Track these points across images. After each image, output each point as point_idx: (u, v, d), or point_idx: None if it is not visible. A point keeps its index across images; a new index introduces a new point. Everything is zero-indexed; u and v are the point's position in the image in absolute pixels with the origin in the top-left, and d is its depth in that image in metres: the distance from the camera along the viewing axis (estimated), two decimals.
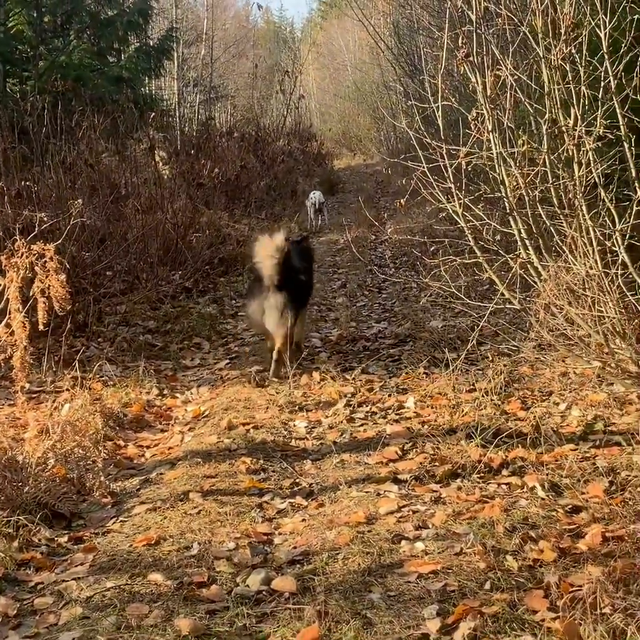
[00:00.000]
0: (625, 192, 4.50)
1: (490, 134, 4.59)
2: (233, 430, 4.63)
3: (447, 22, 4.73)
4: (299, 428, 4.73)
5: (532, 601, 2.74)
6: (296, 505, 3.74)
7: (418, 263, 7.62)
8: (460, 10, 4.84)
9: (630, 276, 4.27)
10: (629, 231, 4.28)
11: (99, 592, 3.02)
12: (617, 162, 4.48)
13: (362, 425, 4.70)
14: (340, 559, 3.14)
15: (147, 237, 8.61)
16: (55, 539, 3.54)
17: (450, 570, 2.99)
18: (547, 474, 3.76)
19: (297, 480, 4.02)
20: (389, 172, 11.75)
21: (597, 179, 4.35)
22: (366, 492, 3.76)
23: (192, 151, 13.24)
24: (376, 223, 7.15)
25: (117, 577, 3.12)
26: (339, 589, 2.92)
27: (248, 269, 6.40)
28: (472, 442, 4.11)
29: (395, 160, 5.41)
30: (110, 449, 4.54)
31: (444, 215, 5.01)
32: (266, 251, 5.46)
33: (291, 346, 5.70)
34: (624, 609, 2.57)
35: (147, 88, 19.02)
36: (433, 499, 3.64)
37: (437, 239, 5.34)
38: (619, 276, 4.24)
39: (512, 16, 4.65)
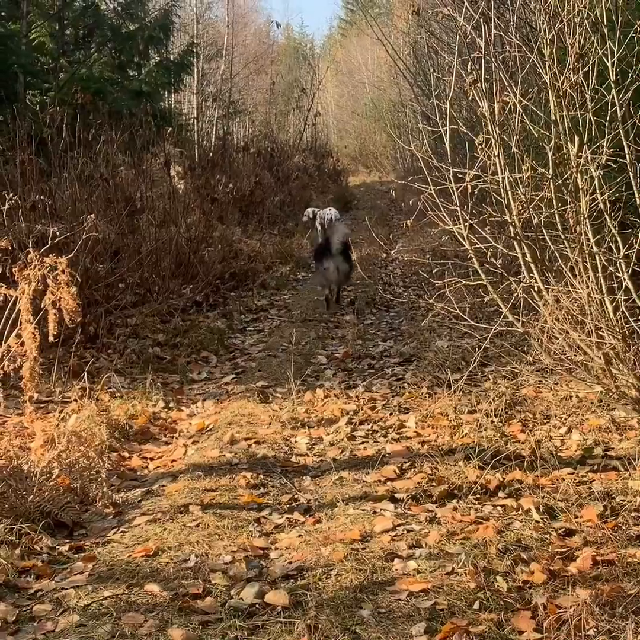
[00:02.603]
0: (631, 219, 4.55)
1: (497, 158, 4.65)
2: (235, 445, 4.69)
3: (456, 48, 4.81)
4: (300, 444, 4.80)
5: (519, 622, 2.79)
6: (293, 521, 3.80)
7: (423, 283, 7.69)
8: (469, 36, 4.92)
9: (632, 302, 4.31)
10: (634, 258, 4.32)
11: (96, 601, 3.09)
12: (623, 189, 4.53)
13: (362, 443, 4.76)
14: (333, 575, 3.20)
15: (160, 250, 8.70)
16: (57, 547, 3.62)
17: (440, 590, 3.04)
18: (542, 497, 3.80)
19: (296, 496, 4.08)
20: (394, 194, 11.85)
21: (602, 206, 4.40)
22: (363, 510, 3.82)
23: (208, 166, 13.35)
24: (383, 244, 7.30)
25: (114, 586, 3.19)
26: (331, 604, 2.98)
27: (318, 245, 9.52)
28: (470, 463, 4.16)
29: (403, 182, 5.47)
30: (115, 460, 4.62)
31: (447, 237, 5.06)
32: (337, 235, 8.68)
33: (337, 296, 8.86)
34: (608, 632, 2.62)
35: (166, 102, 19.20)
36: (428, 518, 3.68)
37: (441, 260, 5.42)
38: (622, 302, 4.28)
39: (521, 44, 4.73)
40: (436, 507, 3.81)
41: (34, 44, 14.04)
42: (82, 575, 3.32)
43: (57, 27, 14.47)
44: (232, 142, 17.98)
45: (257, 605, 3.03)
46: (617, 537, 3.36)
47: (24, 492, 3.78)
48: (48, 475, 4.01)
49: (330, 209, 13.41)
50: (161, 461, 4.70)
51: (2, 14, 13.62)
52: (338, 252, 8.49)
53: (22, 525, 3.57)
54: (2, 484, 3.71)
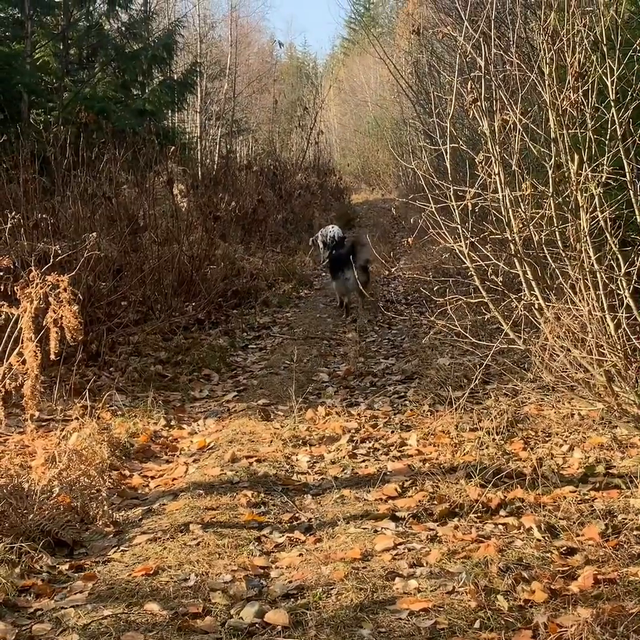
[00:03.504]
0: (632, 237, 4.56)
1: (497, 176, 4.67)
2: (236, 463, 4.69)
3: (457, 67, 4.84)
4: (302, 462, 4.79)
5: None
6: (294, 540, 3.79)
7: (425, 301, 7.70)
8: (469, 56, 4.95)
9: (633, 319, 4.31)
10: (635, 275, 4.32)
11: (95, 620, 3.07)
12: (624, 207, 4.54)
13: (363, 461, 4.75)
14: (334, 594, 3.19)
15: (163, 268, 8.72)
16: (57, 566, 3.60)
17: (441, 608, 3.03)
18: (544, 516, 3.78)
19: (297, 515, 4.07)
20: (395, 211, 11.89)
21: (603, 223, 4.41)
22: (364, 528, 3.80)
23: (211, 184, 13.40)
24: (386, 261, 7.35)
25: (114, 605, 3.18)
26: (331, 623, 2.97)
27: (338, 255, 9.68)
28: (471, 481, 4.14)
29: (405, 199, 5.49)
30: (116, 479, 4.60)
31: (449, 255, 5.08)
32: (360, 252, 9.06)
33: (358, 304, 9.41)
34: None
35: (169, 121, 19.31)
36: (429, 537, 3.67)
37: (443, 278, 5.44)
38: (623, 319, 4.28)
39: (521, 63, 4.76)
40: (437, 525, 3.80)
41: (38, 63, 14.17)
42: (81, 595, 3.31)
43: (61, 47, 14.60)
44: (235, 160, 18.06)
45: (257, 625, 3.02)
46: (619, 556, 3.34)
47: (25, 511, 3.77)
48: (48, 493, 4.01)
49: (332, 227, 13.47)
50: (162, 479, 4.69)
51: (7, 34, 13.74)
52: (360, 266, 8.88)
53: (22, 544, 3.56)
54: (2, 502, 3.71)
